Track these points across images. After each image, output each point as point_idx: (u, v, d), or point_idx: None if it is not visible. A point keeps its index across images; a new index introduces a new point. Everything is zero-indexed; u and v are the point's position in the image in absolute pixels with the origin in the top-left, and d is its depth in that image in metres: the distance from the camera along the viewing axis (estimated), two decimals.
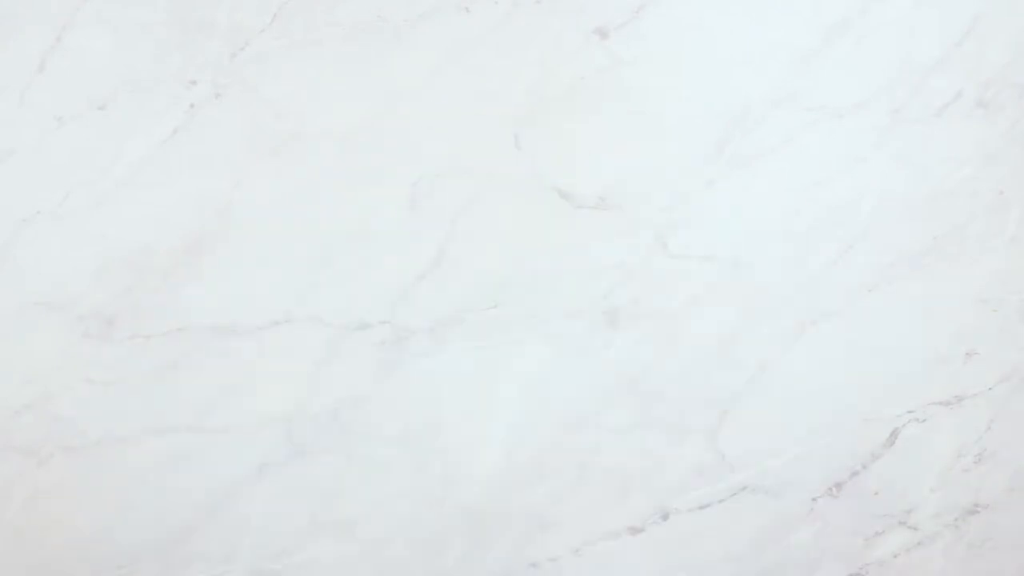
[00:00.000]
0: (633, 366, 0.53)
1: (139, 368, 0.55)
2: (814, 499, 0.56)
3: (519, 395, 0.54)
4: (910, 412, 0.56)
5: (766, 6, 0.55)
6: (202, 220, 0.54)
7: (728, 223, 0.51)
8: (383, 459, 0.53)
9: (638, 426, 0.53)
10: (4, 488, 0.55)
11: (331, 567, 0.56)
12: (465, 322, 0.54)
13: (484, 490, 0.51)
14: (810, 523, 0.56)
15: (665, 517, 0.53)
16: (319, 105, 0.50)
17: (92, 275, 0.54)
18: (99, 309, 0.54)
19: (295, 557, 0.56)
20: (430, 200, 0.53)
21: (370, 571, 0.56)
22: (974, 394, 0.56)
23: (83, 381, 0.55)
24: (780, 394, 0.55)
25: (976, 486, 0.56)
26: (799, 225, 0.55)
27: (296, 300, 0.49)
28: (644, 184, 0.52)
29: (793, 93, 0.55)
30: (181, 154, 0.54)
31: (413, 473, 0.52)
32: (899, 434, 0.56)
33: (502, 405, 0.53)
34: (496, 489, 0.51)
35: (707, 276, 0.50)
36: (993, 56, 0.55)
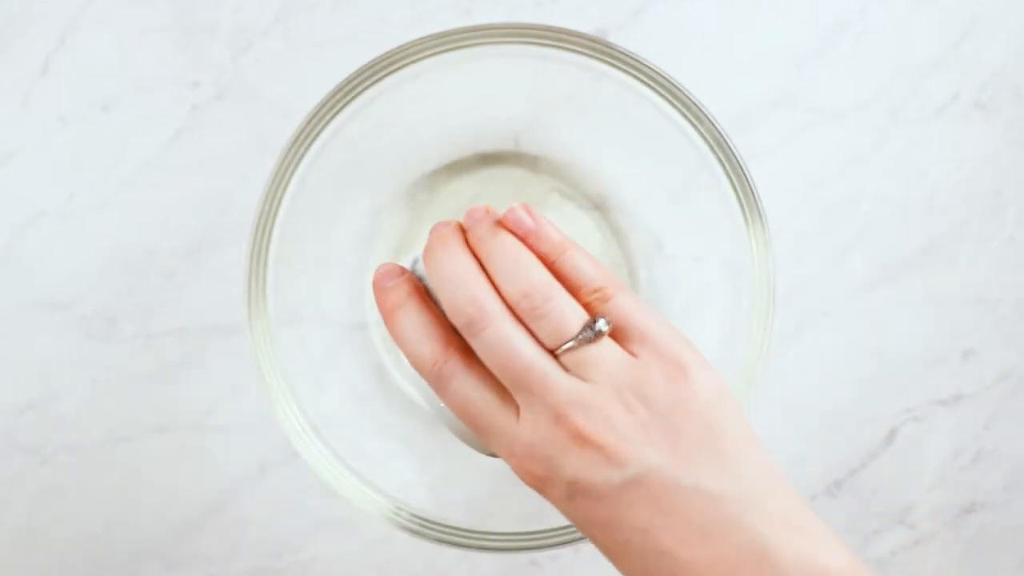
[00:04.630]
0: None
1: (141, 368, 0.55)
2: (812, 497, 0.56)
3: None
4: (908, 411, 0.56)
5: (765, 7, 0.55)
6: (204, 220, 0.55)
7: (726, 223, 0.51)
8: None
9: None
10: (7, 487, 0.55)
11: (332, 565, 0.56)
12: None
13: (483, 486, 0.51)
14: None
15: None
16: None
17: (95, 275, 0.55)
18: (102, 309, 0.55)
19: (297, 555, 0.56)
20: (431, 199, 0.54)
21: (371, 570, 0.56)
22: (972, 394, 0.56)
23: (86, 381, 0.55)
24: (778, 393, 0.56)
25: (974, 485, 0.57)
26: (798, 225, 0.56)
27: (297, 300, 0.50)
28: (644, 185, 0.52)
29: (792, 94, 0.55)
30: (183, 155, 0.54)
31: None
32: (897, 433, 0.56)
33: None
34: (495, 485, 0.51)
35: (705, 276, 0.50)
36: (991, 57, 0.56)
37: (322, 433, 0.47)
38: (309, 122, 0.45)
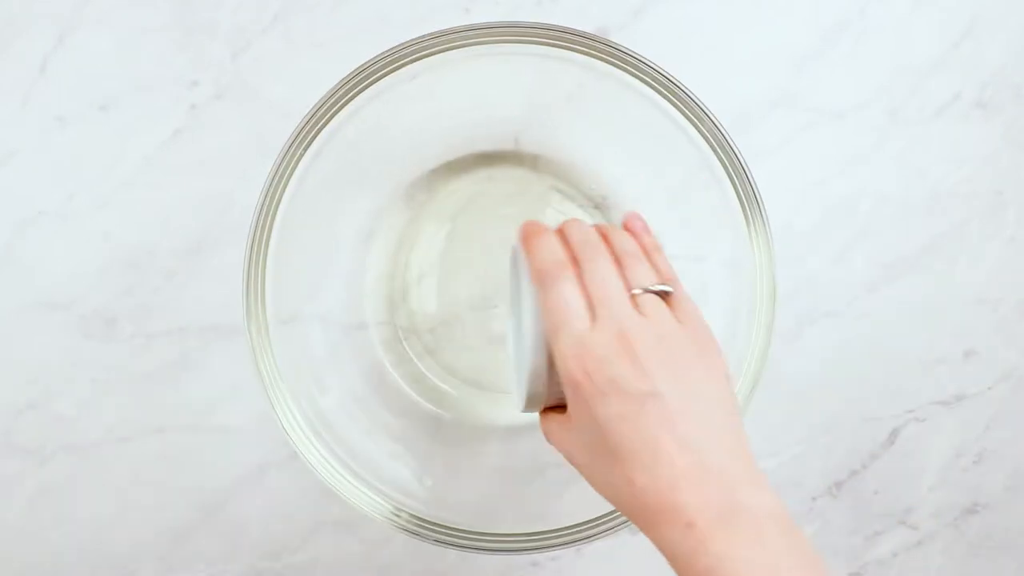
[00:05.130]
0: None
1: (140, 368, 0.55)
2: (814, 498, 0.56)
3: None
4: (909, 412, 0.56)
5: (765, 7, 0.55)
6: (204, 220, 0.55)
7: (726, 223, 0.51)
8: None
9: None
10: (6, 487, 0.55)
11: (332, 566, 0.56)
12: (465, 322, 0.54)
13: (483, 487, 0.51)
14: (810, 522, 0.56)
15: None
16: None
17: (94, 275, 0.55)
18: (101, 309, 0.55)
19: (297, 556, 0.56)
20: (431, 199, 0.54)
21: (371, 570, 0.56)
22: (973, 394, 0.56)
23: (85, 381, 0.55)
24: (778, 393, 0.56)
25: (975, 486, 0.57)
26: (798, 225, 0.56)
27: (296, 300, 0.50)
28: (644, 184, 0.52)
29: (792, 94, 0.55)
30: (183, 155, 0.54)
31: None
32: (898, 434, 0.56)
33: (502, 402, 0.54)
34: (495, 485, 0.51)
35: (705, 276, 0.50)
36: (991, 57, 0.56)
37: (322, 433, 0.47)
38: (308, 122, 0.45)
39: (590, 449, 0.37)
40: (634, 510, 0.36)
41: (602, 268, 0.39)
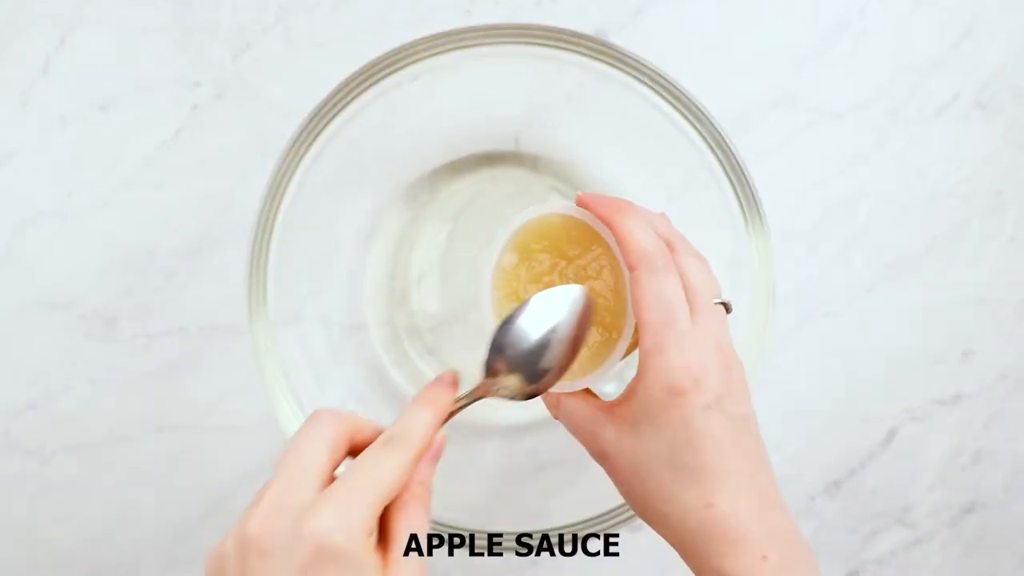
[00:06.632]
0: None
1: (141, 368, 0.55)
2: (812, 497, 0.56)
3: None
4: (908, 411, 0.57)
5: (765, 7, 0.55)
6: (204, 220, 0.55)
7: (726, 223, 0.51)
8: None
9: None
10: (8, 488, 0.55)
11: None
12: (466, 322, 0.54)
13: (483, 487, 0.51)
14: (808, 521, 0.57)
15: None
16: None
17: (94, 275, 0.55)
18: (101, 309, 0.55)
19: None
20: (432, 199, 0.54)
21: None
22: (972, 394, 0.57)
23: (85, 381, 0.55)
24: (778, 393, 0.56)
25: (973, 485, 0.57)
26: (798, 225, 0.56)
27: (297, 300, 0.50)
28: (643, 184, 0.53)
29: (792, 94, 0.55)
30: (183, 155, 0.54)
31: None
32: (897, 433, 0.56)
33: (503, 402, 0.54)
34: (495, 485, 0.51)
35: None
36: (991, 57, 0.56)
37: None
38: (309, 122, 0.45)
39: (662, 462, 0.34)
40: (698, 533, 0.33)
41: (697, 266, 0.36)
